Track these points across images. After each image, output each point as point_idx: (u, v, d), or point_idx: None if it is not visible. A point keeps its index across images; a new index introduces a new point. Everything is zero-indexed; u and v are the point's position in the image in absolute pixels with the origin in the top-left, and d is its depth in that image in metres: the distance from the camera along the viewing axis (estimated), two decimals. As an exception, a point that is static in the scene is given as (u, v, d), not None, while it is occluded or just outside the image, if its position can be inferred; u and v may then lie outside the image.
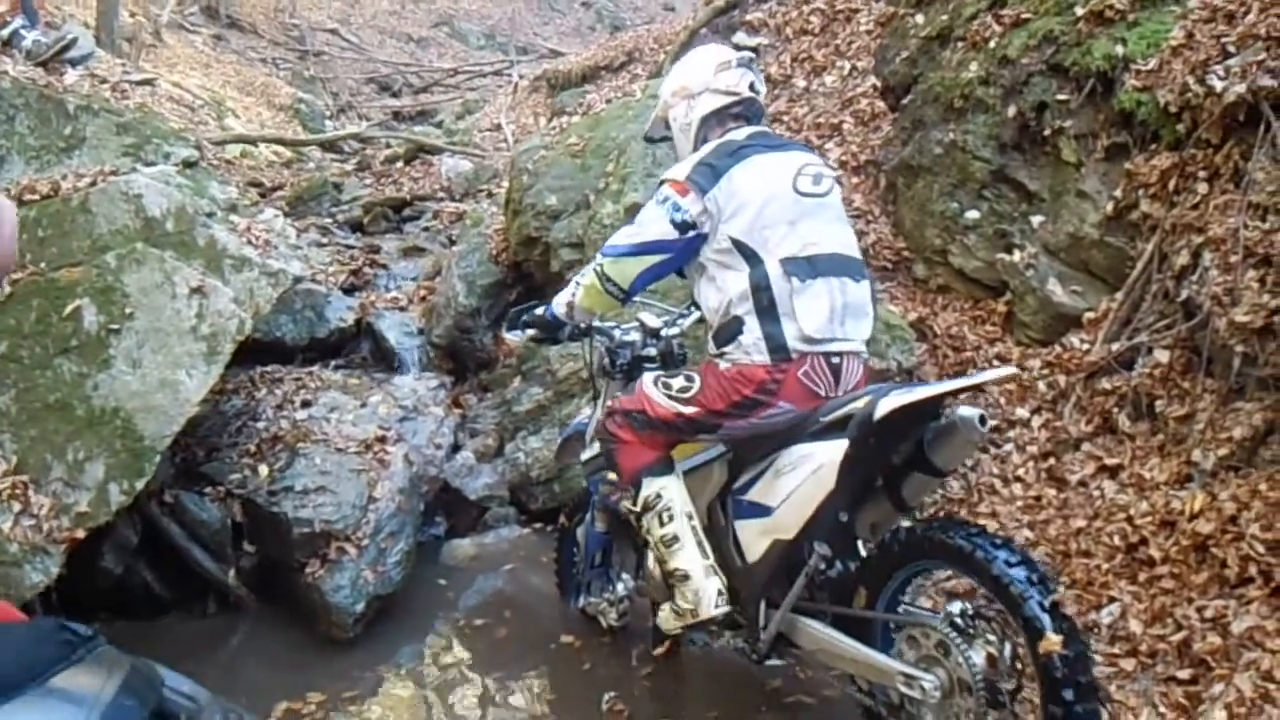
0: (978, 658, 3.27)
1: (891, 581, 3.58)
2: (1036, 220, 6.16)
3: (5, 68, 5.64)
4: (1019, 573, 3.15)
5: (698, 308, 4.04)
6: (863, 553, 3.76)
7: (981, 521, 5.46)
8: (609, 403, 4.14)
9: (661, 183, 3.79)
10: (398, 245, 9.78)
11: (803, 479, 3.56)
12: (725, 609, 3.81)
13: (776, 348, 3.55)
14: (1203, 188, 5.29)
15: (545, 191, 6.81)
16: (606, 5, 28.71)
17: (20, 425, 4.85)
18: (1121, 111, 5.70)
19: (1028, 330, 6.18)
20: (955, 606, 3.39)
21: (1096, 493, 5.21)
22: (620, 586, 4.80)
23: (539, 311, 4.26)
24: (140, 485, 4.90)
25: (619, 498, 4.30)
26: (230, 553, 5.63)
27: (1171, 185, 5.43)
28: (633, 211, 6.39)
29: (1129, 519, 4.90)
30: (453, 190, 11.40)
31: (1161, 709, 4.06)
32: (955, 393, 3.48)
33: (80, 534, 4.72)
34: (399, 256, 9.33)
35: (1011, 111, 6.23)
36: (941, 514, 5.26)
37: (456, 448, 6.70)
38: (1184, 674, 4.15)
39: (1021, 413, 5.86)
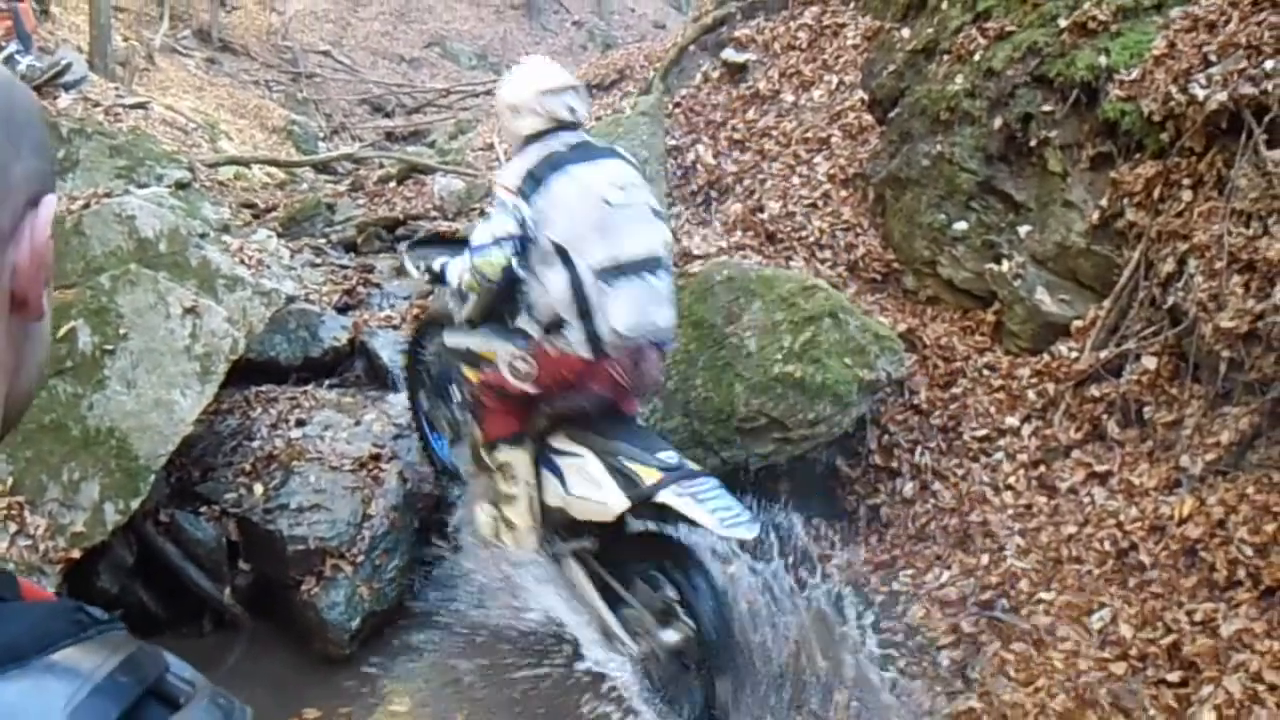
0: (670, 637, 4.27)
1: (631, 566, 4.47)
2: (1024, 230, 6.21)
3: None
4: (701, 584, 4.19)
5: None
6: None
7: (973, 531, 5.51)
8: (482, 376, 4.70)
9: (495, 186, 4.54)
10: (391, 264, 9.78)
11: (592, 497, 4.37)
12: (532, 555, 4.74)
13: (595, 344, 4.28)
14: (1187, 195, 5.34)
15: (536, 208, 6.84)
16: (598, 24, 28.80)
17: (16, 446, 4.87)
18: (1106, 121, 5.75)
19: (1017, 339, 6.21)
20: (671, 592, 4.30)
21: (1086, 499, 5.25)
22: (456, 411, 5.53)
23: (436, 267, 4.84)
24: (135, 505, 4.92)
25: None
26: (226, 571, 5.64)
27: (1156, 193, 5.47)
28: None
29: (1119, 525, 4.94)
30: (446, 209, 11.41)
31: (1152, 711, 4.09)
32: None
33: (76, 554, 4.74)
34: (392, 276, 9.33)
35: (997, 123, 6.27)
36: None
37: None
38: (1174, 676, 4.18)
39: (1011, 421, 5.89)
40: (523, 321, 4.51)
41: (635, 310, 4.23)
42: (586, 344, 4.26)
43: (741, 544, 4.38)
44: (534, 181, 4.25)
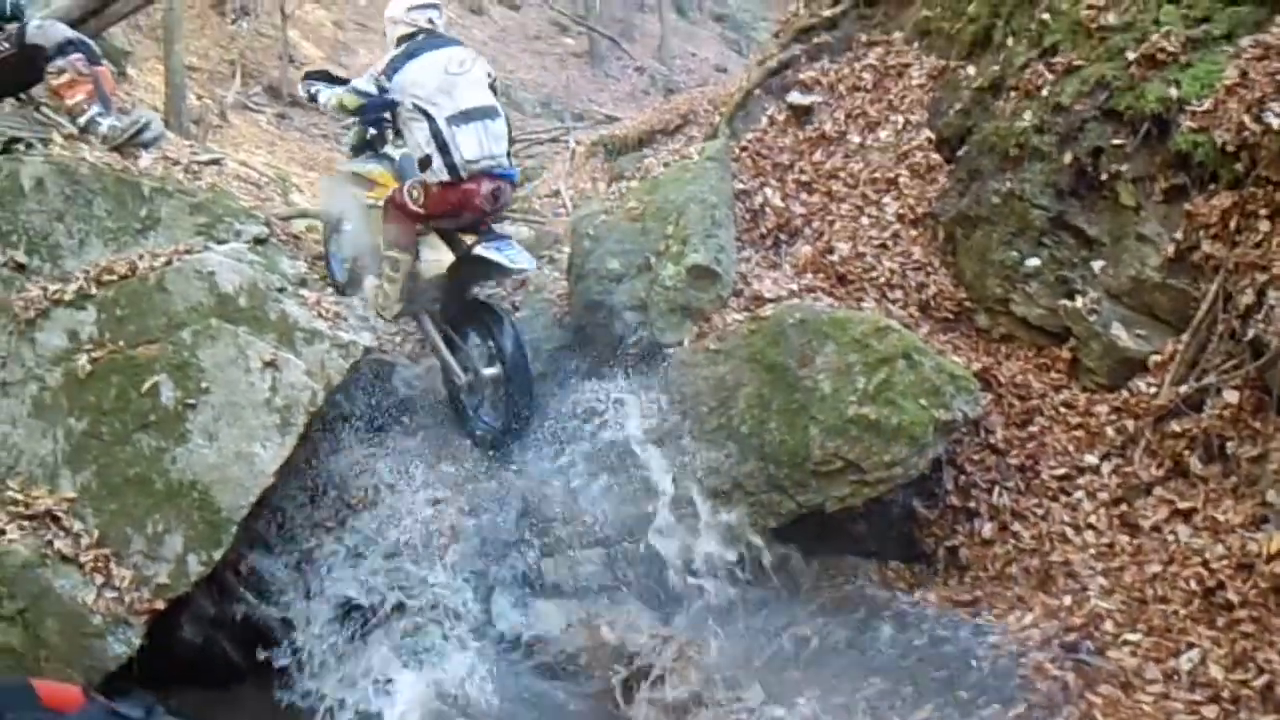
0: (489, 371, 6.45)
1: (466, 324, 6.64)
2: (1097, 265, 6.14)
3: (83, 154, 5.83)
4: (508, 335, 6.38)
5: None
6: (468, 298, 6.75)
7: (1054, 571, 5.44)
8: (393, 195, 6.47)
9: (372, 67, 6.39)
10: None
11: (432, 258, 6.43)
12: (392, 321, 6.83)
13: (452, 171, 6.09)
14: (1264, 225, 5.27)
15: (606, 255, 6.85)
16: (659, 70, 28.99)
17: (101, 500, 4.98)
18: (1178, 153, 5.69)
19: (1093, 376, 6.14)
20: (491, 343, 6.46)
21: (1170, 537, 5.16)
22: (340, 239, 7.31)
23: (314, 91, 6.69)
24: (218, 556, 5.01)
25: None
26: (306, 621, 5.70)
27: (1233, 224, 5.40)
28: (694, 272, 6.49)
29: (1204, 563, 4.85)
30: (514, 257, 11.48)
31: (1246, 755, 4.00)
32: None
33: (160, 605, 4.83)
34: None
35: (1068, 158, 6.23)
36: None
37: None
38: (1269, 719, 4.09)
39: (1091, 459, 5.81)
40: (389, 150, 6.87)
41: (478, 144, 6.10)
42: (446, 171, 6.09)
43: None
44: (393, 68, 6.18)
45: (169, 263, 5.46)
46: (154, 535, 4.94)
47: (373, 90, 6.24)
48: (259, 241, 6.01)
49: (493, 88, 6.41)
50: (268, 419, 5.20)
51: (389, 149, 6.87)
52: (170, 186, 5.86)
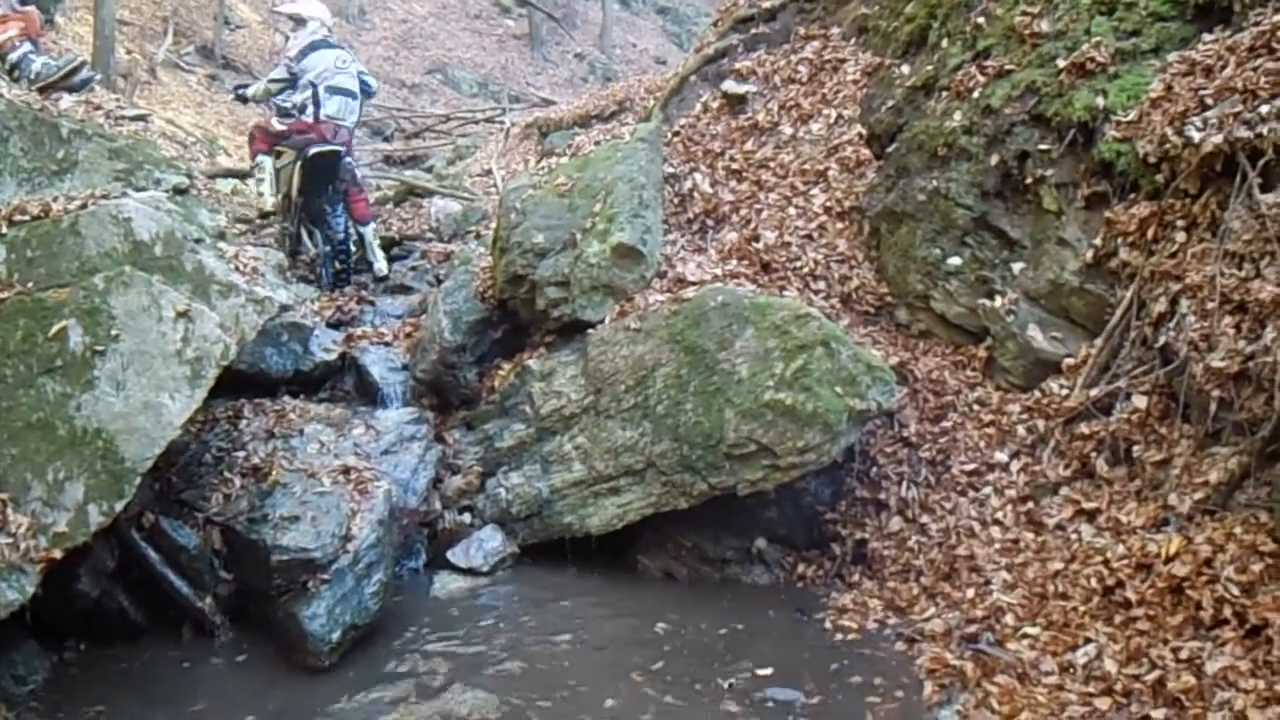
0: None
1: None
2: (1017, 267, 6.23)
3: (0, 90, 5.67)
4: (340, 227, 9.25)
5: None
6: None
7: (959, 565, 5.50)
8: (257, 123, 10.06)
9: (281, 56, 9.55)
10: (384, 283, 9.81)
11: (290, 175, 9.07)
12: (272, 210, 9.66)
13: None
14: (1180, 236, 5.37)
15: (532, 230, 6.82)
16: (599, 57, 28.92)
17: (1, 443, 4.84)
18: (1102, 161, 5.78)
19: (1008, 375, 6.22)
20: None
21: (1074, 536, 5.25)
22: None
23: (241, 93, 10.05)
24: (119, 507, 4.88)
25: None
26: (207, 580, 5.61)
27: (1150, 234, 5.49)
28: (618, 251, 6.47)
29: (1105, 562, 4.93)
30: (441, 231, 11.42)
31: (1135, 747, 4.07)
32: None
33: (57, 554, 4.69)
34: (386, 294, 9.34)
35: (994, 160, 6.30)
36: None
37: (438, 481, 6.71)
38: (1158, 714, 4.17)
39: (1000, 457, 5.89)
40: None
41: (338, 107, 9.03)
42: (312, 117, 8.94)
43: None
44: (302, 54, 9.04)
45: (84, 206, 5.31)
46: (54, 482, 4.79)
47: (285, 76, 9.17)
48: (179, 191, 5.86)
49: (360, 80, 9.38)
50: (178, 370, 5.08)
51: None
52: (90, 130, 5.70)
